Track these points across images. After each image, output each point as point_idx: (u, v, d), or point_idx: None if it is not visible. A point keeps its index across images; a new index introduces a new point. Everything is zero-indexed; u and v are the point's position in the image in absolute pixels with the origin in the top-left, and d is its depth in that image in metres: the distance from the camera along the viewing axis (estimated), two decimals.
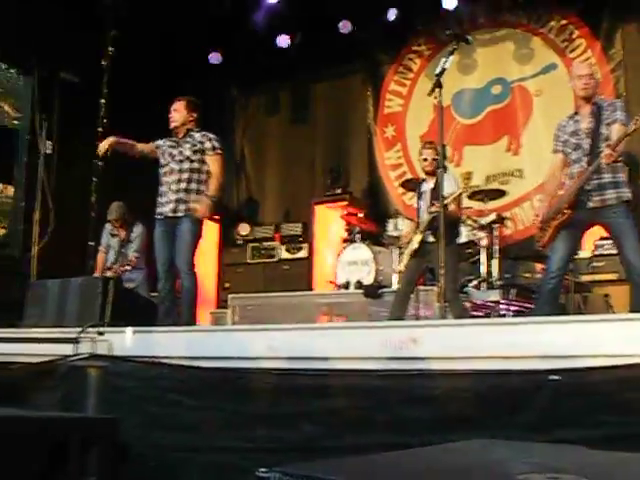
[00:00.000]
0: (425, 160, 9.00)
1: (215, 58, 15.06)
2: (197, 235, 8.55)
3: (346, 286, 11.38)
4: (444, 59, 7.14)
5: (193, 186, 8.55)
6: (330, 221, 13.64)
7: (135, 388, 4.43)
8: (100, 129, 12.92)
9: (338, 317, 11.07)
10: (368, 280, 11.11)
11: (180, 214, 8.46)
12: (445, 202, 7.84)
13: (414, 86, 14.02)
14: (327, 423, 3.92)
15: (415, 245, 8.77)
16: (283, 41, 14.23)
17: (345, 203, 13.26)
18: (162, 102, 13.75)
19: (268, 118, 15.84)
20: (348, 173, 14.30)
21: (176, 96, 13.83)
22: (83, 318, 5.62)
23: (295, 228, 14.15)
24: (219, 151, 8.70)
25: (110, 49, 13.47)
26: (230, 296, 11.85)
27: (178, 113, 8.88)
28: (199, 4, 13.21)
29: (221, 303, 13.46)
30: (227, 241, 14.92)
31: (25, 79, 13.86)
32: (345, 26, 13.63)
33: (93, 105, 13.12)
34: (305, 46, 14.11)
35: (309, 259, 13.67)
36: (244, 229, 14.65)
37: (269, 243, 14.17)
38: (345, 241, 12.37)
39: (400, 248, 10.22)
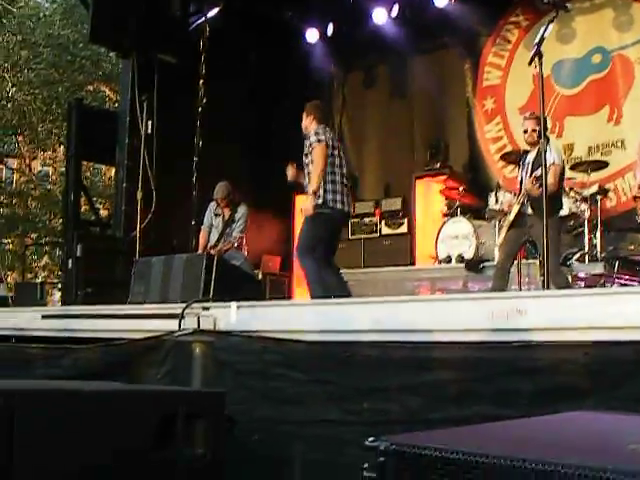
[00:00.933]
0: (525, 132, 8.89)
1: (312, 36, 15.08)
2: (306, 225, 8.75)
3: (447, 260, 11.34)
4: (543, 28, 7.02)
5: (306, 182, 8.84)
6: (430, 195, 13.57)
7: (240, 362, 4.48)
8: (199, 109, 13.06)
9: (440, 291, 11.05)
10: (469, 254, 11.06)
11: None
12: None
13: (512, 58, 13.83)
14: (431, 395, 3.92)
15: (512, 216, 8.72)
16: (379, 16, 14.18)
17: (445, 177, 13.17)
18: (259, 80, 13.95)
19: (366, 93, 15.80)
20: (447, 147, 14.19)
21: (273, 74, 14.03)
22: (187, 294, 5.69)
23: (395, 203, 14.10)
24: (315, 144, 8.72)
25: (207, 29, 13.58)
26: None
27: (304, 121, 9.22)
28: None
29: None
30: None
31: (124, 63, 14.06)
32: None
33: (191, 85, 13.24)
34: (402, 20, 14.04)
35: (410, 234, 13.63)
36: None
37: (369, 219, 14.15)
38: (445, 215, 12.32)
39: (500, 221, 10.14)
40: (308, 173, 8.75)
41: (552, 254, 8.17)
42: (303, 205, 8.59)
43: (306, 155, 8.79)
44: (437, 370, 3.93)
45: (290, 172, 9.36)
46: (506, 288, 8.57)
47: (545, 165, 7.60)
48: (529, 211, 8.55)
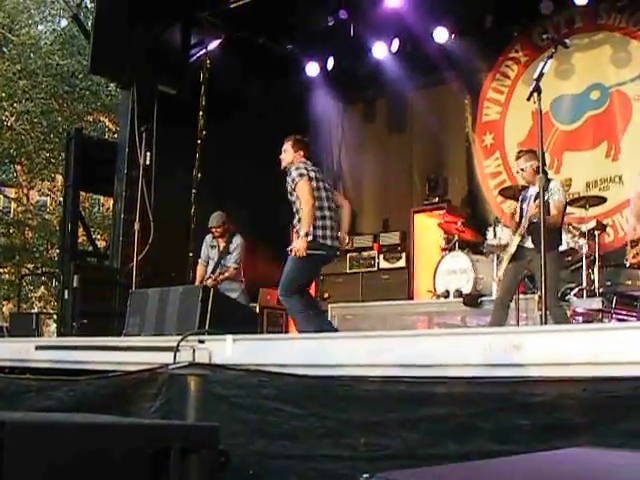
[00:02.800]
0: (522, 170, 8.84)
1: (312, 69, 15.13)
2: (295, 264, 8.39)
3: (446, 295, 11.31)
4: (542, 64, 7.04)
5: (297, 225, 8.55)
6: (429, 230, 13.56)
7: (235, 396, 4.44)
8: (199, 140, 13.09)
9: (438, 326, 11.01)
10: (467, 289, 11.03)
11: None
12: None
13: (512, 93, 13.88)
14: (429, 431, 3.89)
15: (513, 248, 8.64)
16: (379, 51, 14.24)
17: (443, 211, 13.17)
18: (259, 112, 13.98)
19: (366, 127, 15.85)
20: (446, 181, 14.21)
21: (274, 107, 14.04)
22: (183, 326, 5.66)
23: (393, 237, 14.13)
24: (297, 180, 8.47)
25: (207, 61, 13.63)
26: (330, 305, 11.89)
27: (285, 153, 8.93)
28: (297, 16, 13.29)
29: None
30: None
31: (123, 93, 14.09)
32: (441, 35, 13.57)
33: (191, 117, 13.28)
34: (402, 55, 14.09)
35: (408, 268, 13.64)
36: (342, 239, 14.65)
37: (368, 252, 14.16)
38: (444, 250, 12.30)
39: (499, 256, 10.10)
40: (296, 211, 8.52)
41: (550, 288, 8.14)
42: (294, 245, 8.30)
43: (290, 193, 8.57)
44: (435, 405, 3.90)
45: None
46: (505, 323, 8.52)
47: (544, 201, 7.58)
48: (529, 245, 8.50)
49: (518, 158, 8.96)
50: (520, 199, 9.09)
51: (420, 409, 3.86)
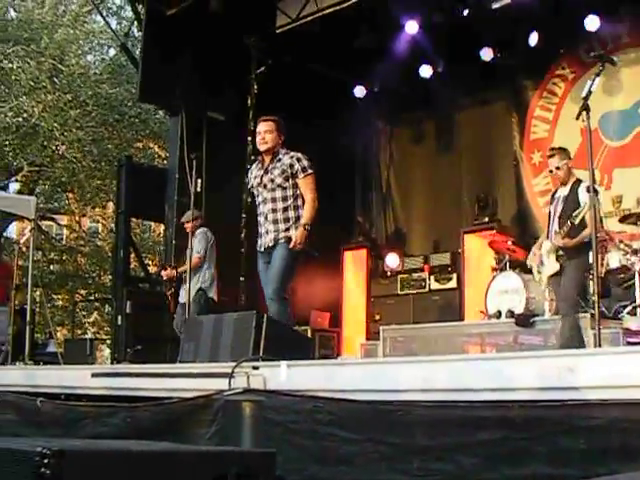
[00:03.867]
0: (558, 169, 8.70)
1: (359, 91, 15.20)
2: (288, 262, 8.14)
3: (497, 315, 11.24)
4: (590, 81, 7.01)
5: (290, 214, 8.22)
6: (479, 250, 13.50)
7: (290, 422, 4.46)
8: (248, 165, 13.15)
9: (490, 347, 10.96)
10: (519, 309, 10.95)
11: (281, 242, 8.18)
12: (579, 217, 7.87)
13: (560, 111, 13.82)
14: (484, 455, 3.87)
15: (556, 266, 8.49)
16: (426, 71, 14.27)
17: (494, 231, 13.10)
18: (307, 137, 14.02)
19: (413, 148, 15.85)
20: (496, 201, 14.15)
21: (321, 131, 14.08)
22: (237, 353, 5.67)
23: (444, 258, 14.09)
24: (309, 171, 8.26)
25: (254, 86, 13.71)
26: (381, 328, 11.87)
27: (270, 134, 8.35)
28: (341, 39, 13.33)
29: (372, 335, 13.47)
30: (376, 273, 14.97)
31: (172, 120, 14.22)
32: (487, 53, 13.56)
33: (240, 142, 13.34)
34: (447, 75, 14.10)
35: (459, 289, 13.58)
36: (393, 261, 14.66)
37: (418, 274, 14.14)
38: (495, 270, 12.24)
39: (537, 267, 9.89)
40: (283, 198, 8.21)
41: (569, 294, 8.23)
42: (295, 236, 8.03)
43: (287, 178, 8.20)
44: (490, 429, 3.89)
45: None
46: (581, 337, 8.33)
47: (577, 203, 7.61)
48: (560, 252, 8.45)
49: (551, 157, 8.83)
50: (551, 201, 8.99)
51: (475, 433, 3.85)
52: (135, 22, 18.90)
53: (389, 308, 14.10)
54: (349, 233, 15.74)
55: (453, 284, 13.71)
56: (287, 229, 8.14)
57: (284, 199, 8.21)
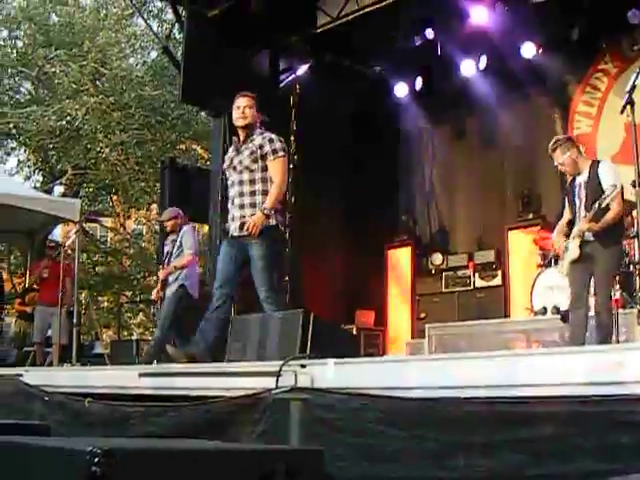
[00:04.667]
0: (562, 164, 8.15)
1: (401, 90, 15.19)
2: (270, 258, 7.61)
3: (543, 312, 11.19)
4: (634, 75, 6.93)
5: (258, 199, 7.63)
6: (524, 247, 13.44)
7: (337, 420, 4.46)
8: (291, 166, 13.18)
9: (536, 344, 10.91)
10: (565, 305, 10.89)
11: (245, 233, 7.57)
12: (607, 201, 7.42)
13: (603, 106, 13.70)
14: (531, 451, 3.86)
15: (576, 251, 7.87)
16: (468, 68, 14.23)
17: (538, 228, 13.04)
18: (349, 134, 14.04)
19: (456, 146, 15.79)
20: (540, 197, 14.06)
21: (363, 130, 14.09)
22: (284, 351, 5.69)
23: (488, 255, 14.04)
24: (281, 154, 7.69)
25: (297, 86, 13.74)
26: (427, 326, 11.85)
27: (250, 109, 7.82)
28: (381, 37, 13.33)
29: (417, 333, 13.46)
30: (421, 271, 14.95)
31: (215, 121, 14.26)
32: (528, 49, 13.50)
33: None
34: (489, 72, 14.05)
35: (504, 286, 13.53)
36: (437, 258, 14.64)
37: (463, 271, 14.11)
38: (540, 266, 12.18)
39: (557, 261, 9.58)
40: (251, 181, 7.66)
41: (605, 287, 7.74)
42: (252, 220, 7.50)
43: (255, 160, 7.66)
44: (537, 425, 3.88)
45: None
46: (583, 339, 7.91)
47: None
48: (591, 238, 7.82)
49: (554, 151, 8.22)
50: (570, 192, 8.34)
51: (522, 429, 3.84)
52: (176, 24, 18.94)
53: (434, 306, 14.08)
54: (393, 232, 15.72)
55: (498, 281, 13.66)
56: (253, 216, 7.56)
57: (251, 182, 7.66)
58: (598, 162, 8.14)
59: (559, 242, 8.43)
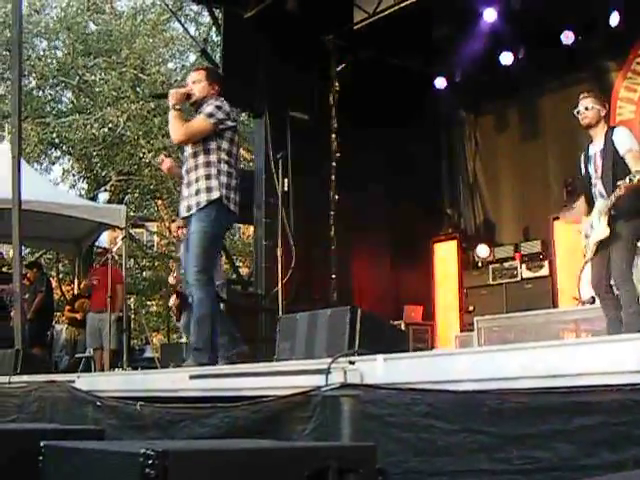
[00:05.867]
0: (587, 109, 7.67)
1: (440, 82, 15.15)
2: (206, 233, 6.93)
3: (591, 301, 11.11)
4: None
5: (200, 172, 6.98)
6: (570, 236, 13.34)
7: (388, 415, 4.46)
8: (333, 163, 13.20)
9: (585, 333, 10.84)
10: None
11: (193, 211, 7.01)
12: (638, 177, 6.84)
13: None
14: (583, 441, 3.84)
15: (606, 232, 7.45)
16: (506, 58, 14.16)
17: (585, 216, 12.93)
18: (392, 131, 14.02)
19: (498, 136, 15.73)
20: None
21: (405, 124, 14.06)
22: (333, 349, 5.69)
23: (535, 246, 13.96)
24: (208, 118, 6.99)
25: (335, 83, 13.74)
26: (476, 318, 11.82)
27: (200, 84, 7.20)
28: (419, 31, 13.31)
29: (466, 326, 13.43)
30: (467, 264, 14.90)
31: (256, 122, 14.30)
32: (567, 37, 13.39)
33: (324, 140, 13.40)
34: (529, 60, 13.98)
35: (551, 276, 13.44)
36: (484, 251, 14.58)
37: (510, 263, 14.04)
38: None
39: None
40: (194, 153, 7.03)
41: (624, 261, 7.39)
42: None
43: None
44: (588, 415, 3.85)
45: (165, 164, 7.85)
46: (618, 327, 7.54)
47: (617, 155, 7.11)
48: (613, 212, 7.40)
49: (587, 97, 7.72)
50: (582, 160, 8.03)
51: (573, 419, 3.81)
52: (213, 27, 19.04)
53: (482, 299, 14.02)
54: (438, 225, 15.71)
55: (545, 272, 13.57)
56: (197, 192, 6.98)
57: (194, 155, 7.06)
58: (612, 128, 7.78)
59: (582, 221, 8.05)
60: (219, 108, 7.03)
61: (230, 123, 7.11)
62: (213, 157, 7.00)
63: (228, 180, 7.03)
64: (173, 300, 11.00)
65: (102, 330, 14.28)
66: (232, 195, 7.07)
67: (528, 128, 15.16)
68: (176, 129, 7.06)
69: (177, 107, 7.10)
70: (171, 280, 11.19)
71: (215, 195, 6.93)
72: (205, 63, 20.28)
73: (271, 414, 5.28)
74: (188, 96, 7.18)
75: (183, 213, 7.14)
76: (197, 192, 6.95)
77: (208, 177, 6.95)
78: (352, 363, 4.85)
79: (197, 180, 6.97)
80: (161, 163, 7.69)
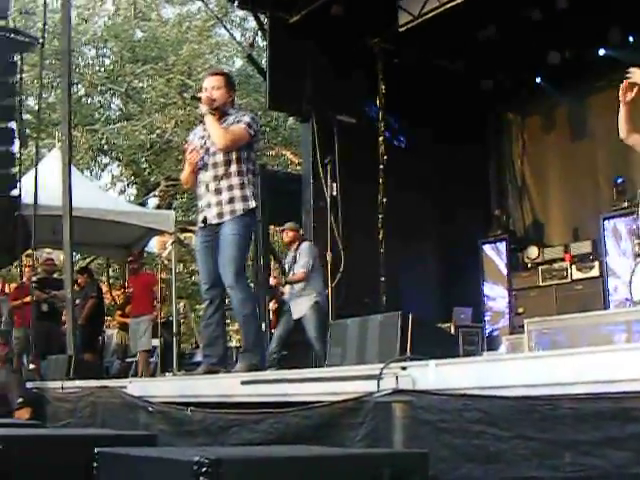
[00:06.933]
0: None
1: (486, 83, 15.11)
2: (241, 236, 7.12)
3: None
4: None
5: (234, 181, 7.11)
6: (620, 236, 13.25)
7: (440, 421, 4.45)
8: (381, 165, 13.19)
9: (637, 335, 10.74)
10: None
11: (227, 218, 7.11)
12: None
13: None
14: (634, 448, 3.80)
15: None
16: (553, 57, 14.09)
17: (634, 216, 12.82)
18: (439, 133, 14.00)
19: (545, 136, 15.65)
20: (634, 184, 13.83)
21: (452, 126, 14.03)
22: (384, 354, 5.69)
23: (585, 246, 13.84)
24: (244, 125, 7.08)
25: (382, 86, 13.74)
26: (526, 321, 11.72)
27: (219, 91, 7.21)
28: (464, 32, 13.28)
29: (516, 329, 13.35)
30: (517, 265, 14.83)
31: (303, 127, 14.32)
32: (615, 34, 13.29)
33: (371, 143, 13.40)
34: (576, 59, 13.90)
35: (602, 277, 13.33)
36: (533, 252, 14.50)
37: (559, 264, 13.95)
38: (638, 255, 11.99)
39: None
40: (226, 162, 7.11)
41: None
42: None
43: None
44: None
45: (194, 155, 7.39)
46: None
47: None
48: None
49: None
50: None
51: (626, 426, 3.78)
52: (259, 32, 19.11)
53: (532, 300, 13.94)
54: (487, 227, 15.64)
55: (596, 272, 13.46)
56: (231, 200, 7.09)
57: (226, 163, 7.12)
58: None
59: None
60: (254, 120, 7.24)
61: (260, 136, 7.56)
62: (244, 167, 7.15)
63: (255, 190, 7.25)
64: (272, 305, 11.12)
65: (136, 333, 14.52)
66: (258, 204, 7.35)
67: (576, 128, 15.06)
68: (220, 134, 7.06)
69: (212, 112, 7.10)
70: (272, 281, 11.32)
71: (252, 204, 7.15)
72: (251, 68, 20.43)
73: (322, 420, 5.28)
74: (212, 101, 7.16)
75: (213, 220, 7.16)
76: (231, 200, 7.08)
77: (242, 186, 7.10)
78: (404, 369, 4.85)
79: (230, 188, 7.09)
80: (191, 153, 7.29)
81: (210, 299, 7.40)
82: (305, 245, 11.25)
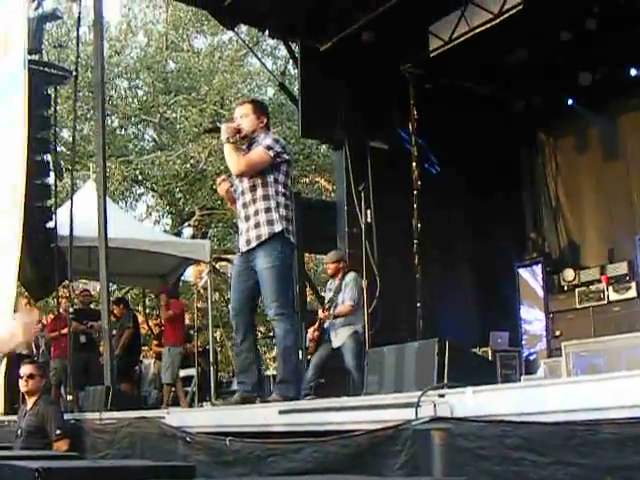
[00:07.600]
0: None
1: (518, 106, 15.11)
2: (275, 267, 6.98)
3: None
4: None
5: (260, 206, 6.99)
6: None
7: (479, 448, 4.42)
8: (415, 191, 13.18)
9: None
10: None
11: (253, 244, 7.02)
12: None
13: None
14: None
15: None
16: (585, 78, 14.07)
17: None
18: (472, 156, 13.99)
19: (578, 157, 15.61)
20: None
21: (484, 148, 14.01)
22: (422, 382, 5.68)
23: (621, 267, 13.75)
24: (264, 148, 6.98)
25: (414, 112, 13.75)
26: (563, 344, 11.66)
27: (247, 118, 7.17)
28: (493, 55, 13.28)
29: (553, 352, 13.27)
30: (553, 288, 14.76)
31: (336, 153, 14.37)
32: None
33: (405, 168, 13.41)
34: (607, 80, 13.86)
35: (639, 298, 13.23)
36: (569, 274, 14.44)
37: (596, 286, 13.87)
38: None
39: None
40: (252, 187, 7.03)
41: None
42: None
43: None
44: None
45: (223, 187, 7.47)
46: None
47: None
48: None
49: None
50: None
51: None
52: (290, 60, 19.21)
53: (569, 323, 13.86)
54: (522, 250, 15.59)
55: (633, 293, 13.36)
56: (257, 225, 6.99)
57: (252, 189, 7.04)
58: None
59: None
60: (276, 141, 7.09)
61: (286, 156, 7.15)
62: (271, 190, 7.01)
63: (286, 212, 7.07)
64: (311, 332, 11.13)
65: (165, 365, 14.60)
66: (290, 227, 7.12)
67: (609, 147, 15.02)
68: (235, 161, 7.02)
69: (231, 140, 7.06)
70: (320, 315, 11.29)
71: (278, 228, 6.97)
72: (283, 97, 20.52)
73: (361, 449, 5.27)
74: (238, 130, 7.12)
75: (243, 248, 7.13)
76: (257, 225, 6.98)
77: (268, 210, 6.97)
78: (442, 396, 4.84)
79: (256, 213, 6.99)
80: (219, 184, 7.49)
81: (236, 325, 7.43)
82: (352, 276, 11.04)
